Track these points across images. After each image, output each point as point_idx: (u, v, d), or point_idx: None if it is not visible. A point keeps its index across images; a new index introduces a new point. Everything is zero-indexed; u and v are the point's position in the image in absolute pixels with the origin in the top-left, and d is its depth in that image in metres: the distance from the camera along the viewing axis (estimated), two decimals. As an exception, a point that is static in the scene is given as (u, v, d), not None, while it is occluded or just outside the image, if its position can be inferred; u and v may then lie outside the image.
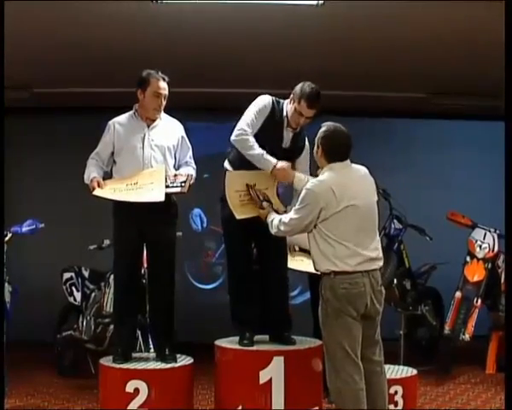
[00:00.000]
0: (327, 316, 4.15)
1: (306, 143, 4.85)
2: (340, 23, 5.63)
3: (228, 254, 5.04)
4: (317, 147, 4.29)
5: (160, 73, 4.75)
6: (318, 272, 4.25)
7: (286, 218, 4.29)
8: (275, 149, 4.65)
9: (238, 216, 4.65)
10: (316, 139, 4.31)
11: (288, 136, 4.75)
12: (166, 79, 4.75)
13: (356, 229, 4.14)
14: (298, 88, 4.60)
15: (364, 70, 6.81)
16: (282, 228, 4.30)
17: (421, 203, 8.13)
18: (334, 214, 4.11)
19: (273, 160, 4.59)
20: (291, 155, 4.74)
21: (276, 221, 4.35)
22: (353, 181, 4.25)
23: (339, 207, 4.11)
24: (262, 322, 4.90)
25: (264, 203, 4.57)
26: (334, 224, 4.12)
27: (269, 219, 4.44)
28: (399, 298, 6.88)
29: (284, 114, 4.70)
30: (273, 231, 4.39)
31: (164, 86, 4.74)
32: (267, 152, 4.60)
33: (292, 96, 4.64)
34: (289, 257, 5.09)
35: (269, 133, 4.66)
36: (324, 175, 4.23)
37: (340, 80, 7.12)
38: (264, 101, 4.72)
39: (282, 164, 4.59)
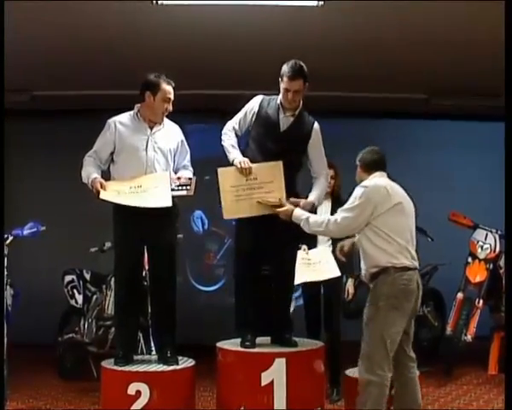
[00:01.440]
0: (377, 311, 4.21)
1: (316, 129, 4.80)
2: (341, 24, 5.64)
3: (237, 257, 4.96)
4: (357, 165, 4.56)
5: (167, 79, 4.76)
6: (375, 269, 4.28)
7: (336, 217, 4.34)
8: (272, 134, 4.68)
9: (227, 215, 4.65)
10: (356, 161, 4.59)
11: (286, 120, 4.73)
12: (173, 84, 4.78)
13: (404, 227, 4.34)
14: (282, 68, 4.65)
15: (364, 71, 6.82)
16: (331, 228, 4.34)
17: (423, 204, 8.04)
18: (389, 210, 4.28)
19: (235, 155, 4.66)
20: (292, 138, 4.72)
21: (319, 220, 4.41)
22: (397, 186, 4.48)
23: (392, 203, 4.30)
24: (264, 324, 4.90)
25: (284, 201, 4.57)
26: (388, 219, 4.28)
27: (302, 217, 4.47)
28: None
29: (278, 101, 4.73)
30: (313, 229, 4.44)
31: (171, 91, 4.76)
32: (264, 137, 4.66)
33: (280, 78, 4.68)
34: (304, 268, 4.98)
35: (263, 121, 4.72)
36: (372, 180, 4.43)
37: (340, 81, 7.12)
38: (253, 100, 4.82)
39: (241, 160, 4.62)
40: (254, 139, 4.76)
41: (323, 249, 5.45)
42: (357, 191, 4.35)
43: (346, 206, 4.37)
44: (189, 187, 4.68)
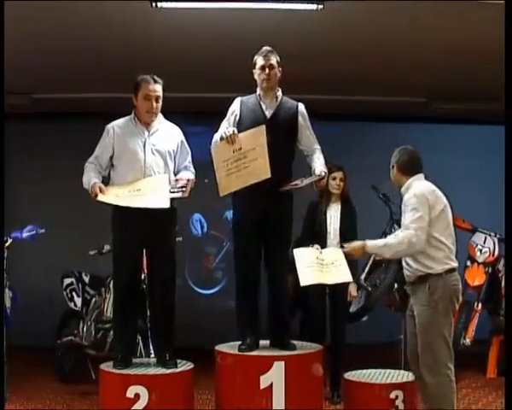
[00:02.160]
0: (437, 314, 4.33)
1: (301, 109, 4.84)
2: (340, 27, 5.64)
3: (236, 258, 4.96)
4: (393, 166, 4.60)
5: (151, 76, 4.72)
6: (423, 273, 4.36)
7: (413, 229, 4.33)
8: (259, 121, 4.69)
9: (221, 192, 4.65)
10: (391, 162, 4.63)
11: (270, 107, 4.78)
12: (159, 80, 4.73)
13: (450, 230, 4.47)
14: (253, 60, 4.82)
15: (364, 75, 6.82)
16: (413, 240, 4.33)
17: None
18: (439, 215, 4.39)
19: (220, 133, 4.68)
20: (279, 123, 4.74)
21: (398, 239, 4.40)
22: (438, 189, 4.57)
23: (440, 207, 4.41)
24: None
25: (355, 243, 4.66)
26: (438, 225, 4.38)
27: (379, 244, 4.52)
28: (400, 302, 6.86)
29: (257, 93, 4.82)
30: (396, 250, 4.43)
31: (154, 88, 4.71)
32: (252, 125, 4.66)
33: (253, 69, 4.81)
34: (317, 269, 4.93)
35: (248, 116, 4.76)
36: (417, 182, 4.51)
37: (339, 85, 7.12)
38: (233, 104, 4.87)
39: (226, 130, 4.64)
40: None
41: (336, 251, 5.38)
42: (414, 201, 4.37)
43: (412, 217, 4.35)
44: (184, 189, 4.68)
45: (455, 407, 4.34)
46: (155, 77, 4.72)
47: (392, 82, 7.14)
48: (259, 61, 4.78)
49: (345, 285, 5.77)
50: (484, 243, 7.03)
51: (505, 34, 4.12)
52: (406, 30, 5.67)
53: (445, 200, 4.51)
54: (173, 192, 4.66)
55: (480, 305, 6.79)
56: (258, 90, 4.84)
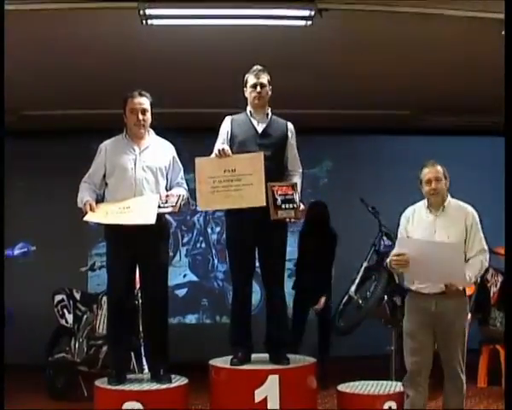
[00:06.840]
0: (467, 323, 4.64)
1: (290, 128, 4.92)
2: (329, 42, 5.68)
3: (231, 273, 4.99)
4: (446, 177, 4.79)
5: (137, 91, 4.77)
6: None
7: (484, 257, 4.51)
8: (251, 139, 4.78)
9: (202, 207, 4.74)
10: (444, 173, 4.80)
11: (261, 123, 4.84)
12: (145, 93, 4.79)
13: None
14: (244, 78, 4.89)
15: (354, 89, 6.86)
16: (486, 264, 4.57)
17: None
18: None
19: (215, 148, 4.73)
20: (270, 139, 4.81)
21: (477, 262, 4.50)
22: None
23: None
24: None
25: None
26: None
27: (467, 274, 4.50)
28: (390, 314, 6.89)
29: (247, 111, 4.87)
30: (479, 273, 4.60)
31: (139, 101, 4.76)
32: (245, 145, 4.74)
33: (244, 87, 4.88)
34: None
35: (239, 133, 4.81)
36: (455, 200, 4.76)
37: (329, 99, 7.17)
38: (223, 123, 4.92)
39: (220, 147, 4.68)
40: (237, 153, 4.76)
41: None
42: (476, 218, 4.58)
43: (480, 239, 4.53)
44: (174, 204, 4.70)
45: None
46: (142, 91, 4.78)
47: (381, 95, 7.18)
48: (251, 79, 4.84)
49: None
50: (472, 253, 7.06)
51: (505, 35, 4.12)
52: (396, 43, 5.71)
53: None
54: (164, 208, 4.69)
55: (469, 315, 6.81)
56: (249, 108, 4.90)
